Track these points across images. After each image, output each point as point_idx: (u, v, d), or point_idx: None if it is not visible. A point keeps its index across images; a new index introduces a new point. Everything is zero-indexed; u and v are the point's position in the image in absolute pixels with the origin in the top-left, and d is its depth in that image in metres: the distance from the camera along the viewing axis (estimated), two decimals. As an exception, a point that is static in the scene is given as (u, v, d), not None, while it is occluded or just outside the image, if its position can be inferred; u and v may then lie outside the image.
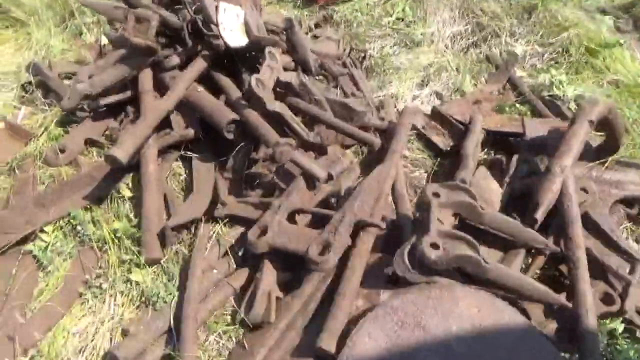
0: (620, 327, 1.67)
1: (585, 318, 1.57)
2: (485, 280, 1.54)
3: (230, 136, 2.10)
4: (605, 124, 2.05)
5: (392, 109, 2.68)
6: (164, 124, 2.24)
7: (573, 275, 1.67)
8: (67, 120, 2.43)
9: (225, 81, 2.30)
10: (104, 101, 2.31)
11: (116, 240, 1.89)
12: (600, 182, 2.12)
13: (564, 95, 2.76)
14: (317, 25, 3.54)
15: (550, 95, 2.80)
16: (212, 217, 2.00)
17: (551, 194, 1.75)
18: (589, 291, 1.63)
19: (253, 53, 2.44)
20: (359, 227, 1.70)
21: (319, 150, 2.19)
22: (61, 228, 1.96)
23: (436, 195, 1.67)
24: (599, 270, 1.83)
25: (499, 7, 3.61)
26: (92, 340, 1.64)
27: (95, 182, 2.10)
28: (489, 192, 1.89)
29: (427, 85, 3.03)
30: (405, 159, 2.46)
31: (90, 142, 2.32)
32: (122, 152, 1.82)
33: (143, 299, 1.76)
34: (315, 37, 3.11)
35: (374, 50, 3.27)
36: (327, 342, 1.44)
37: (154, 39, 2.27)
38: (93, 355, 1.61)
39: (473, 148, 2.22)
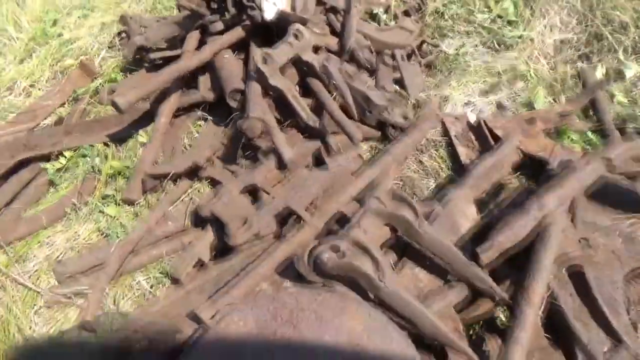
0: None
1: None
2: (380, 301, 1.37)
3: (233, 104, 2.16)
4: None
5: (431, 110, 2.45)
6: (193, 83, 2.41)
7: (507, 334, 1.38)
8: (131, 68, 2.75)
9: (254, 51, 2.35)
10: (154, 55, 2.55)
11: (109, 177, 2.11)
12: (630, 240, 1.68)
13: (650, 132, 2.21)
14: (405, 13, 3.37)
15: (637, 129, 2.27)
16: (199, 177, 2.11)
17: (511, 234, 1.45)
18: (518, 354, 1.33)
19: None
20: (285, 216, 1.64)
21: (319, 136, 2.12)
22: (79, 156, 2.24)
23: (378, 200, 1.52)
24: (569, 342, 1.49)
25: (631, 16, 3.00)
26: (55, 253, 1.89)
27: (121, 124, 2.36)
28: (460, 216, 1.64)
29: (495, 94, 2.68)
30: (420, 164, 2.25)
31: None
32: (122, 99, 2.01)
33: (109, 231, 1.96)
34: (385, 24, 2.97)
35: (451, 47, 3.00)
36: (206, 311, 1.44)
37: (202, 3, 2.42)
38: (49, 264, 1.85)
39: (485, 165, 1.94)
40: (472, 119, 2.40)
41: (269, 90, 2.09)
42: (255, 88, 2.05)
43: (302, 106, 2.09)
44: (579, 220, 1.67)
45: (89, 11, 3.58)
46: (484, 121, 2.30)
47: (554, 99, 2.63)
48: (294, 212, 1.63)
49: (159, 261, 1.84)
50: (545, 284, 1.43)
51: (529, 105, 2.58)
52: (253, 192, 1.86)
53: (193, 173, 2.11)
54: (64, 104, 2.60)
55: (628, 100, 2.56)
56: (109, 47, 3.02)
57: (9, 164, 2.08)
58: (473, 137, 2.32)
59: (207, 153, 2.05)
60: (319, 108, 2.20)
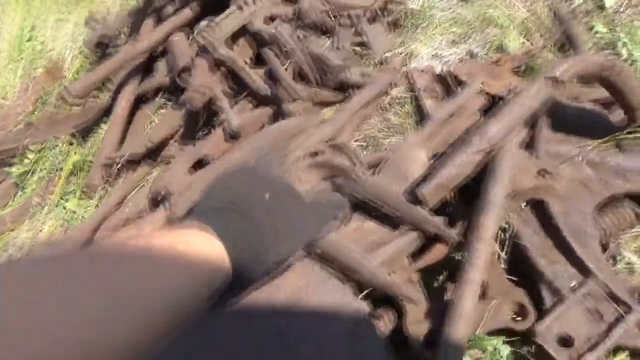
0: (504, 348, 1.24)
1: (451, 325, 1.20)
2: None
3: (183, 84, 2.12)
4: (606, 86, 1.48)
5: (390, 64, 2.35)
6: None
7: (458, 275, 1.28)
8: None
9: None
10: (110, 49, 2.54)
11: (71, 173, 2.11)
12: (600, 168, 1.55)
13: (627, 58, 2.05)
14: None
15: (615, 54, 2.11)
16: (157, 160, 2.08)
17: (452, 169, 1.35)
18: (470, 293, 1.23)
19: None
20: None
21: (274, 103, 2.06)
22: (43, 158, 2.25)
23: (314, 155, 1.44)
24: (533, 275, 1.38)
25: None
26: (18, 252, 1.89)
27: (84, 119, 2.36)
28: (410, 162, 1.54)
29: (465, 43, 2.55)
30: (385, 122, 2.16)
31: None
32: (76, 87, 1.99)
33: (71, 224, 1.95)
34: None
35: (417, 2, 2.87)
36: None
37: (150, -12, 2.39)
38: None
39: (444, 111, 1.83)
40: (438, 69, 2.28)
41: (216, 63, 2.03)
42: (200, 62, 2.01)
43: (251, 76, 2.03)
44: (539, 151, 1.56)
45: (65, 16, 3.62)
46: (449, 70, 2.18)
47: (529, 41, 2.48)
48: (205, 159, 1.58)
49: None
50: (497, 219, 1.32)
51: (502, 51, 2.44)
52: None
53: (151, 158, 2.08)
54: (35, 110, 2.62)
55: (609, 29, 2.39)
56: (79, 52, 3.04)
57: (-29, 169, 2.10)
58: (439, 89, 2.20)
59: (160, 134, 2.01)
60: (274, 78, 2.13)
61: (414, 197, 1.38)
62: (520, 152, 1.49)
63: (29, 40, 3.43)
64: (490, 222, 1.30)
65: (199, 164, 1.78)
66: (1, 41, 3.48)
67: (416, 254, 1.44)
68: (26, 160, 2.20)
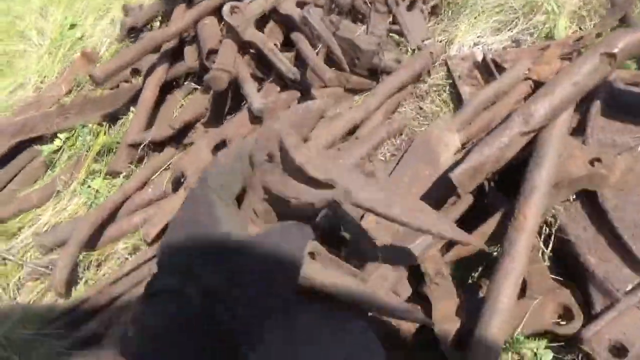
0: (545, 354, 1.09)
1: (485, 323, 1.07)
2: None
3: (210, 65, 2.06)
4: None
5: (426, 50, 2.21)
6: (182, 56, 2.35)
7: (495, 268, 1.15)
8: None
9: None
10: (142, 34, 2.53)
11: (98, 153, 2.09)
12: (662, 159, 1.38)
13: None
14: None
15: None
16: (182, 144, 2.03)
17: (489, 151, 1.21)
18: (508, 289, 1.09)
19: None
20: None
21: (300, 88, 1.97)
22: (74, 138, 2.25)
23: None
24: (581, 274, 1.23)
25: None
26: (43, 228, 1.88)
27: (115, 103, 2.35)
28: (440, 145, 1.41)
29: (509, 30, 2.39)
30: (420, 110, 2.03)
31: (133, 71, 2.59)
32: (99, 71, 1.97)
33: (95, 203, 1.93)
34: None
35: (461, -13, 2.72)
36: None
37: (183, -27, 2.36)
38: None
39: (483, 96, 1.69)
40: (479, 56, 2.14)
41: (243, 45, 1.97)
42: (227, 43, 1.95)
43: (280, 59, 1.95)
44: (591, 138, 1.40)
45: (104, 12, 3.68)
46: (492, 56, 2.04)
47: (580, 29, 2.30)
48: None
49: (139, 229, 1.77)
50: (541, 209, 1.18)
51: (551, 39, 2.27)
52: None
53: (176, 141, 2.03)
54: (69, 92, 2.64)
55: (673, 18, 2.17)
56: (116, 40, 3.06)
57: (5, 146, 2.11)
58: (480, 76, 2.06)
59: (185, 117, 1.96)
60: (303, 62, 2.05)
61: (445, 182, 1.26)
62: (571, 139, 1.34)
63: (70, 28, 3.50)
64: (533, 212, 1.17)
65: (222, 146, 1.71)
66: (45, 29, 3.57)
67: (448, 246, 1.32)
68: (57, 141, 2.20)
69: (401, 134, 1.95)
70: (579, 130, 1.47)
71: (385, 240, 1.26)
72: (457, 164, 1.33)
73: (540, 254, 1.27)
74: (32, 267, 1.68)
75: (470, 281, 1.36)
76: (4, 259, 1.77)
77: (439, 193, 1.36)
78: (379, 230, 1.28)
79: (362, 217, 1.33)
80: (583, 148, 1.33)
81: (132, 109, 2.31)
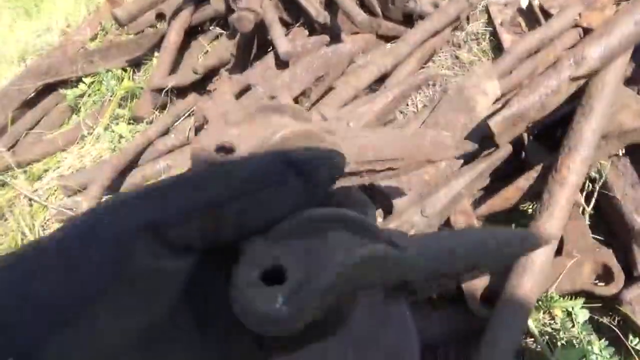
0: (581, 314, 1.02)
1: (516, 279, 1.01)
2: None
3: (235, 6, 1.97)
4: None
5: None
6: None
7: (533, 219, 1.07)
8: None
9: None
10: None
11: (122, 98, 2.06)
12: None
13: None
14: None
15: None
16: (206, 90, 1.98)
17: (534, 96, 1.10)
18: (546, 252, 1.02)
19: None
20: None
21: (330, 33, 1.87)
22: (99, 82, 2.22)
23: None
24: (624, 234, 1.14)
25: None
26: (67, 171, 1.88)
27: (139, 48, 2.30)
28: (478, 92, 1.31)
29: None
30: (456, 60, 1.91)
31: (158, 16, 2.52)
32: (121, 12, 1.91)
33: (118, 148, 1.91)
34: None
35: None
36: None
37: None
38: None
39: (526, 43, 1.56)
40: (524, 2, 1.98)
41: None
42: (254, -16, 1.84)
43: (309, 1, 1.84)
44: (647, 88, 1.28)
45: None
46: (538, 1, 1.88)
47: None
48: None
49: (162, 175, 1.75)
50: (586, 162, 1.09)
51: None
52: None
53: (201, 87, 1.98)
54: (95, 37, 2.60)
55: None
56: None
57: (31, 89, 2.10)
58: (523, 23, 1.91)
59: (209, 63, 1.90)
60: (333, 6, 1.93)
61: (482, 132, 1.17)
62: (625, 88, 1.22)
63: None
64: (577, 165, 1.07)
65: (246, 91, 1.65)
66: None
67: (482, 199, 1.24)
68: (81, 85, 2.18)
69: (434, 85, 1.84)
70: (633, 80, 1.35)
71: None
72: (496, 112, 1.23)
73: (581, 211, 1.19)
74: (56, 209, 1.68)
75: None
76: (30, 200, 1.79)
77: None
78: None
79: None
80: (638, 98, 1.21)
81: (156, 54, 2.26)
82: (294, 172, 0.27)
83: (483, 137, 1.21)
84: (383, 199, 1.17)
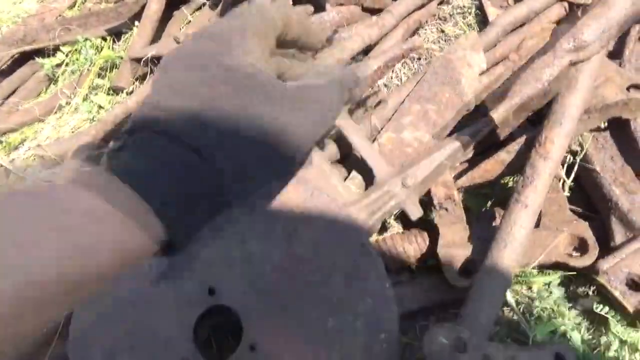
0: (556, 289, 1.04)
1: (497, 251, 1.02)
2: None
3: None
4: None
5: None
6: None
7: (512, 197, 1.07)
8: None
9: None
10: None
11: (101, 68, 2.00)
12: None
13: None
14: None
15: None
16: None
17: (537, 83, 1.09)
18: (525, 219, 1.03)
19: None
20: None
21: (314, 3, 1.83)
22: (77, 52, 2.15)
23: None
24: (602, 206, 1.15)
25: None
26: (44, 141, 1.84)
27: (119, 17, 2.22)
28: (464, 65, 1.30)
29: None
30: (442, 34, 1.89)
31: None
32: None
33: (97, 119, 1.87)
34: None
35: None
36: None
37: None
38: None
39: (510, 16, 1.55)
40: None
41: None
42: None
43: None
44: (629, 64, 1.28)
45: None
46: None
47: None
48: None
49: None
50: (569, 136, 1.09)
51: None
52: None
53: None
54: (73, 5, 2.51)
55: None
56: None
57: (6, 57, 2.03)
58: (511, -2, 1.89)
59: (191, 32, 1.84)
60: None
61: (483, 115, 1.16)
62: (609, 61, 1.22)
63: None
64: (561, 138, 1.07)
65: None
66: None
67: (463, 171, 1.24)
68: (59, 54, 2.11)
69: (419, 58, 1.82)
70: (615, 54, 1.35)
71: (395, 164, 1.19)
72: (495, 99, 1.22)
73: (560, 184, 1.20)
74: (33, 180, 1.65)
75: (483, 210, 1.29)
76: (7, 170, 1.74)
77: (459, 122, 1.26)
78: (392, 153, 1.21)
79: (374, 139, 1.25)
80: (621, 73, 1.21)
81: (137, 23, 2.18)
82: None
83: (467, 111, 1.21)
84: (365, 168, 1.17)
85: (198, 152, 0.43)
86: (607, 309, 0.99)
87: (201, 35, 0.49)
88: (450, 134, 1.28)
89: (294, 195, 0.91)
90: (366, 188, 1.16)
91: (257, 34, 0.48)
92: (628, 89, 1.17)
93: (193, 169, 0.43)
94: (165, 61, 0.48)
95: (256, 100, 0.45)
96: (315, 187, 0.96)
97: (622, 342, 0.98)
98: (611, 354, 0.94)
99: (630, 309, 0.99)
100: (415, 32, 1.84)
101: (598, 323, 1.04)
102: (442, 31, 1.88)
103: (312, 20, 1.45)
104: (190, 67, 0.46)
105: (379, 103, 1.36)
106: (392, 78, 1.75)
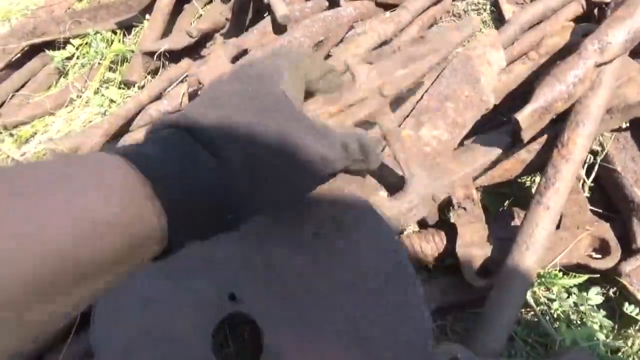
0: (576, 290, 1.03)
1: (519, 252, 1.01)
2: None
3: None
4: None
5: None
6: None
7: (533, 199, 1.06)
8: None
9: None
10: None
11: (112, 62, 1.99)
12: None
13: None
14: None
15: None
16: (200, 55, 1.92)
17: (559, 84, 1.08)
18: (547, 220, 1.02)
19: None
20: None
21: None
22: (87, 44, 2.14)
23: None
24: (624, 207, 1.14)
25: None
26: (55, 135, 1.83)
27: (130, 10, 2.21)
28: (483, 62, 1.28)
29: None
30: (447, 14, 1.87)
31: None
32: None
33: (109, 112, 1.86)
34: None
35: None
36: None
37: None
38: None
39: (527, 15, 1.53)
40: (529, -27, 1.93)
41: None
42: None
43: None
44: (652, 63, 1.26)
45: None
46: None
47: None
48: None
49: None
50: (591, 137, 1.08)
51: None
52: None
53: (194, 52, 1.92)
54: (83, -2, 2.50)
55: None
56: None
57: (15, 50, 2.02)
58: (527, -6, 1.87)
59: (203, 26, 1.83)
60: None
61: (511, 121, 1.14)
62: (631, 60, 1.20)
63: None
64: (583, 138, 1.06)
65: (242, 56, 1.60)
66: None
67: (483, 171, 1.23)
68: (69, 47, 2.10)
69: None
70: (637, 53, 1.32)
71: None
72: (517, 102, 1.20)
73: (580, 184, 1.18)
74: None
75: (501, 209, 1.28)
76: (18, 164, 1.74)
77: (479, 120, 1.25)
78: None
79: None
80: (642, 72, 1.19)
81: (147, 16, 2.18)
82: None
83: (486, 110, 1.19)
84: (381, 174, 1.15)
85: (216, 151, 0.46)
86: (637, 309, 0.98)
87: (248, 63, 0.57)
88: (467, 136, 1.26)
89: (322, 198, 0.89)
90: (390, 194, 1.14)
91: (291, 69, 0.56)
92: (651, 88, 1.16)
93: (206, 165, 0.45)
94: (214, 79, 0.55)
95: (279, 118, 0.50)
96: (346, 190, 0.94)
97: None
98: (638, 354, 0.94)
99: (653, 311, 0.98)
100: (429, 28, 1.82)
101: (620, 327, 1.04)
102: (447, 12, 1.86)
103: (329, 14, 1.44)
104: (232, 86, 0.52)
105: (396, 99, 1.34)
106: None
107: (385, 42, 1.63)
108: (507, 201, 1.30)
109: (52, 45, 2.13)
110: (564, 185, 1.05)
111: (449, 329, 1.14)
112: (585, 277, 1.05)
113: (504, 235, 1.14)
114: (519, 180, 1.34)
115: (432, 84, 1.29)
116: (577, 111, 1.10)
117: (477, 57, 1.29)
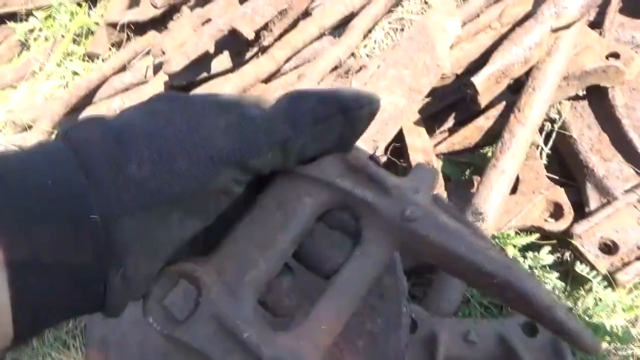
0: (530, 252, 1.05)
1: (472, 215, 1.02)
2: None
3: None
4: None
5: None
6: None
7: (489, 163, 1.07)
8: None
9: None
10: None
11: (77, 34, 1.94)
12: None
13: None
14: None
15: None
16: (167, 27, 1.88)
17: (516, 47, 1.08)
18: (501, 184, 1.03)
19: None
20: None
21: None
22: (51, 16, 2.08)
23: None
24: (578, 173, 1.16)
25: None
26: (17, 107, 1.78)
27: (97, -18, 2.15)
28: (439, 30, 1.27)
29: None
30: (425, 5, 1.87)
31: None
32: None
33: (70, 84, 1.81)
34: None
35: None
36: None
37: None
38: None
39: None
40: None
41: None
42: None
43: None
44: (609, 33, 1.27)
45: None
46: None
47: None
48: (239, 34, 1.36)
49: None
50: (546, 102, 1.09)
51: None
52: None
53: (161, 24, 1.88)
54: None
55: None
56: None
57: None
58: (495, -30, 1.87)
59: None
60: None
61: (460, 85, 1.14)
62: (589, 29, 1.21)
63: None
64: (539, 104, 1.07)
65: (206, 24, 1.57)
66: None
67: (443, 139, 1.24)
68: (32, 19, 2.04)
69: (402, 29, 1.80)
70: (595, 24, 1.34)
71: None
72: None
73: (538, 151, 1.20)
74: (4, 145, 1.60)
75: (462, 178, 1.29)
76: (-24, 135, 1.69)
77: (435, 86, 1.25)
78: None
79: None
80: (601, 41, 1.21)
81: (114, -11, 2.12)
82: (340, 109, 0.32)
83: (442, 75, 1.20)
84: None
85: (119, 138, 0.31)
86: (588, 269, 1.00)
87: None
88: (432, 103, 1.27)
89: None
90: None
91: None
92: (607, 57, 1.17)
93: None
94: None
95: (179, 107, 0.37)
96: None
97: (598, 302, 0.99)
98: (588, 312, 0.96)
99: (603, 271, 1.00)
100: (398, 2, 1.81)
101: (572, 288, 1.06)
102: (426, 2, 1.86)
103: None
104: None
105: (360, 69, 1.34)
106: (374, 48, 1.73)
107: (352, 15, 1.63)
108: (468, 170, 1.31)
109: (14, 17, 2.06)
110: (520, 149, 1.06)
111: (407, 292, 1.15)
112: (536, 235, 1.06)
113: (464, 204, 1.15)
114: (481, 150, 1.35)
115: (389, 51, 1.29)
116: (534, 77, 1.11)
117: (433, 25, 1.29)
